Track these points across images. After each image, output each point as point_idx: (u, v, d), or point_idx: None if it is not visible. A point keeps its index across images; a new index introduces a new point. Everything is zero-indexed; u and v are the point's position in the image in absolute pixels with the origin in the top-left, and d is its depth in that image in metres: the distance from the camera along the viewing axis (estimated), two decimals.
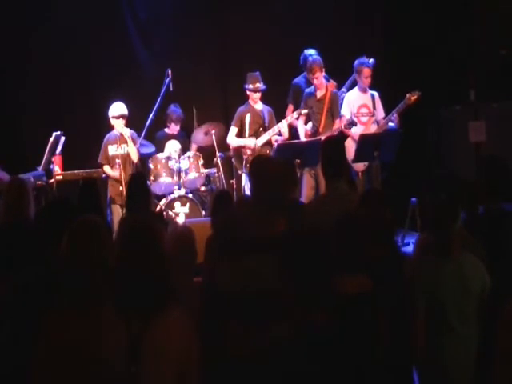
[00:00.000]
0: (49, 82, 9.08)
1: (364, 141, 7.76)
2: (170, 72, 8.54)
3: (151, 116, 8.51)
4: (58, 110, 9.09)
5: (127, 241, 3.23)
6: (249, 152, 8.37)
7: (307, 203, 6.20)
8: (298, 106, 8.47)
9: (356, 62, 8.36)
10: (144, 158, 8.59)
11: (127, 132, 8.22)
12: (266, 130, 8.46)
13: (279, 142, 8.21)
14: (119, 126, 8.24)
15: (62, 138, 8.17)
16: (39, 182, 7.78)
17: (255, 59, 9.12)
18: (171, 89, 8.54)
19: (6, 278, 3.80)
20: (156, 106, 8.54)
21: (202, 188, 8.71)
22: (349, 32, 9.59)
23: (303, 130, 8.40)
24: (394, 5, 9.66)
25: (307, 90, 8.41)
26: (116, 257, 3.15)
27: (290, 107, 8.76)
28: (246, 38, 9.49)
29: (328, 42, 8.96)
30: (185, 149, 8.80)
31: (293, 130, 8.59)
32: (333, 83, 8.50)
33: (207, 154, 8.82)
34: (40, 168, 8.06)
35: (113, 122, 8.29)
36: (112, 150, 8.30)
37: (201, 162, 8.58)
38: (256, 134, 8.47)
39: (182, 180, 8.50)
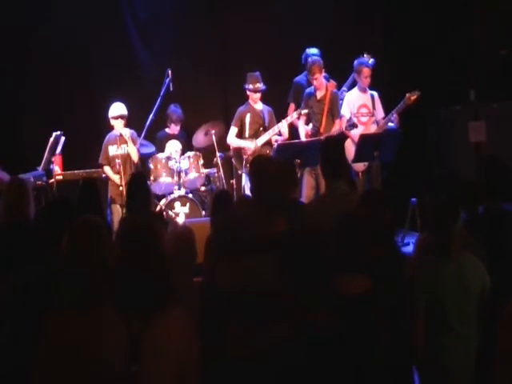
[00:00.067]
0: (49, 82, 9.08)
1: (364, 141, 7.76)
2: (169, 72, 8.55)
3: (151, 116, 8.51)
4: (58, 110, 9.10)
5: (127, 241, 3.23)
6: (249, 152, 8.37)
7: (307, 203, 6.20)
8: (300, 104, 8.47)
9: (356, 61, 8.36)
10: (144, 158, 8.60)
11: (127, 132, 8.22)
12: (266, 130, 8.46)
13: (279, 142, 8.21)
14: (119, 127, 8.24)
15: (62, 138, 8.17)
16: (39, 182, 7.78)
17: (255, 59, 9.12)
18: (171, 89, 8.54)
19: (6, 277, 3.80)
20: (156, 106, 8.54)
21: (202, 188, 8.71)
22: (349, 32, 9.59)
23: (304, 130, 8.39)
24: (393, 5, 9.67)
25: (307, 91, 8.41)
26: (116, 257, 3.15)
27: (292, 106, 8.76)
28: (246, 38, 9.49)
29: (328, 42, 8.96)
30: (185, 149, 8.80)
31: (293, 130, 8.59)
32: (333, 83, 8.50)
33: (207, 154, 8.82)
34: (40, 168, 8.07)
35: (112, 122, 8.29)
36: (112, 150, 8.30)
37: (201, 162, 8.58)
38: (256, 134, 8.47)
39: (182, 180, 8.50)
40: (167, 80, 8.55)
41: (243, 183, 8.41)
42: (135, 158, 8.26)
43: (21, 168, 7.77)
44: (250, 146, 8.38)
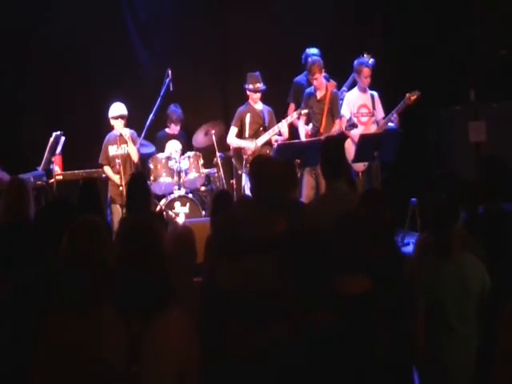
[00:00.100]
0: (49, 82, 9.08)
1: (364, 141, 7.75)
2: (169, 72, 8.55)
3: (151, 116, 8.51)
4: (58, 110, 9.10)
5: (127, 241, 3.23)
6: (249, 152, 8.37)
7: (307, 203, 6.20)
8: (300, 104, 8.47)
9: (356, 61, 8.36)
10: (144, 158, 8.60)
11: (127, 133, 8.22)
12: (266, 130, 8.45)
13: (279, 142, 8.21)
14: (119, 127, 8.24)
15: (62, 138, 8.17)
16: (39, 182, 7.78)
17: (255, 59, 9.12)
18: (171, 89, 8.54)
19: (6, 277, 3.80)
20: (156, 106, 8.54)
21: (202, 188, 8.71)
22: (349, 32, 9.59)
23: (304, 130, 8.39)
24: (394, 5, 9.67)
25: (307, 91, 8.40)
26: (116, 257, 3.15)
27: (292, 106, 8.76)
28: (246, 37, 9.49)
29: (328, 42, 8.96)
30: (185, 149, 8.80)
31: (293, 130, 8.59)
32: (332, 83, 8.50)
33: (207, 154, 8.82)
34: (40, 168, 8.07)
35: (112, 122, 8.30)
36: (112, 150, 8.30)
37: (201, 162, 8.59)
38: (256, 134, 8.47)
39: (182, 180, 8.50)
40: (167, 80, 8.55)
41: (243, 183, 8.40)
42: (135, 158, 8.26)
43: (21, 168, 7.77)
44: (250, 146, 8.38)
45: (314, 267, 3.32)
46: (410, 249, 7.02)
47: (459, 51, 9.36)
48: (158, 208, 8.24)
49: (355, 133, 8.06)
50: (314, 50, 8.59)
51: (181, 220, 8.15)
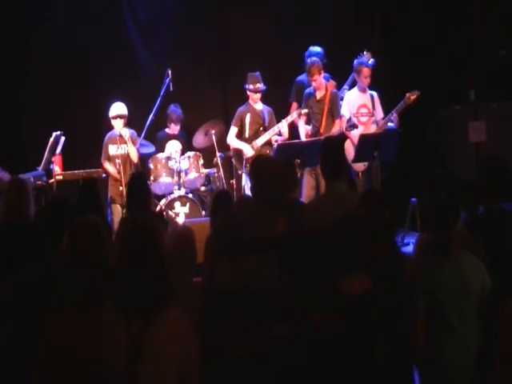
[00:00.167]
0: (49, 82, 9.08)
1: (364, 141, 7.75)
2: (169, 72, 8.55)
3: (151, 116, 8.51)
4: (58, 110, 9.10)
5: (127, 241, 3.23)
6: (247, 156, 8.35)
7: (307, 203, 6.20)
8: (302, 104, 8.48)
9: (355, 61, 8.37)
10: (144, 158, 8.60)
11: (126, 133, 8.22)
12: (266, 130, 8.45)
13: (279, 142, 8.21)
14: (118, 126, 8.24)
15: (62, 138, 8.17)
16: (39, 182, 7.78)
17: (255, 59, 9.12)
18: (171, 89, 8.54)
19: (6, 277, 3.80)
20: (156, 106, 8.54)
21: (202, 188, 8.71)
22: (349, 32, 9.59)
23: (304, 130, 8.39)
24: (394, 5, 9.67)
25: (307, 91, 8.40)
26: (116, 257, 3.15)
27: (294, 105, 8.75)
28: (246, 38, 9.49)
29: (328, 42, 8.95)
30: (185, 149, 8.80)
31: (293, 130, 8.58)
32: (332, 83, 8.49)
33: (207, 154, 8.82)
34: (40, 168, 8.06)
35: (112, 122, 8.30)
36: (112, 149, 8.31)
37: (201, 162, 8.59)
38: (256, 134, 8.47)
39: (182, 180, 8.50)
40: (167, 80, 8.55)
41: (243, 183, 8.40)
42: (135, 158, 8.26)
43: (21, 168, 7.77)
44: (248, 151, 8.36)
45: (313, 267, 3.32)
46: (410, 249, 7.02)
47: (459, 51, 9.35)
48: (158, 208, 8.24)
49: (355, 133, 8.06)
50: (317, 49, 8.59)
51: (181, 220, 8.15)
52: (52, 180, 8.04)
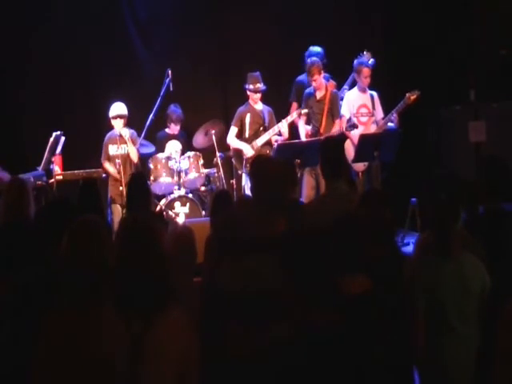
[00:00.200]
0: (49, 82, 9.09)
1: (364, 141, 7.75)
2: (169, 72, 8.55)
3: (151, 116, 8.51)
4: (58, 110, 9.10)
5: (127, 241, 3.23)
6: (247, 156, 8.35)
7: (307, 203, 6.20)
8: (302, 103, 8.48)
9: (355, 61, 8.37)
10: (144, 158, 8.60)
11: (126, 133, 8.22)
12: (266, 130, 8.45)
13: (279, 142, 8.21)
14: (119, 126, 8.25)
15: (62, 138, 8.17)
16: (39, 182, 7.78)
17: (255, 59, 9.12)
18: (171, 89, 8.54)
19: (6, 277, 3.80)
20: (156, 106, 8.54)
21: (202, 188, 8.72)
22: (349, 32, 9.59)
23: (304, 130, 8.39)
24: (393, 5, 9.67)
25: (307, 91, 8.40)
26: (116, 257, 3.15)
27: (294, 105, 8.75)
28: (246, 37, 9.49)
29: (328, 42, 8.96)
30: (185, 149, 8.80)
31: (293, 130, 8.58)
32: (332, 83, 8.49)
33: (207, 154, 8.83)
34: (40, 168, 8.07)
35: (112, 122, 8.31)
36: (112, 149, 8.31)
37: (201, 162, 8.59)
38: (256, 134, 8.47)
39: (182, 180, 8.51)
40: (167, 80, 8.55)
41: (243, 183, 8.40)
42: (135, 158, 8.26)
43: (21, 168, 7.77)
44: (248, 151, 8.36)
45: (313, 267, 3.32)
46: (410, 249, 7.02)
47: (459, 51, 9.35)
48: (158, 208, 8.24)
49: (355, 133, 8.05)
50: (317, 49, 8.59)
51: (181, 220, 8.15)
52: (52, 180, 8.04)
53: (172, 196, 8.41)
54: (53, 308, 3.10)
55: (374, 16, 9.80)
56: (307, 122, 8.43)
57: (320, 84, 8.25)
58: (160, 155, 8.54)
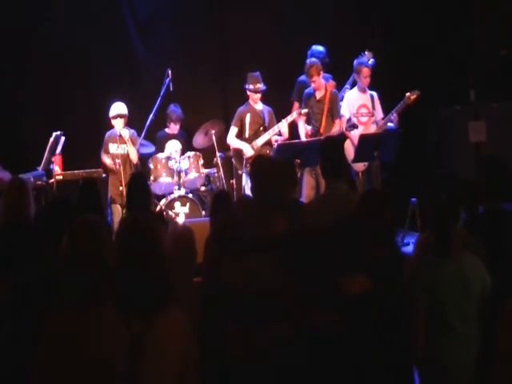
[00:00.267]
0: (49, 82, 9.09)
1: (364, 141, 7.75)
2: (169, 72, 8.55)
3: (151, 116, 8.51)
4: (58, 110, 9.10)
5: (127, 241, 3.23)
6: (247, 156, 8.35)
7: (307, 203, 6.20)
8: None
9: (355, 61, 8.36)
10: (144, 158, 8.60)
11: (126, 134, 8.22)
12: (266, 130, 8.45)
13: (279, 142, 8.21)
14: (119, 126, 8.25)
15: (62, 138, 8.17)
16: (39, 182, 7.78)
17: (255, 59, 9.12)
18: (171, 89, 8.54)
19: (6, 277, 3.80)
20: (156, 106, 8.54)
21: (202, 188, 8.72)
22: (349, 32, 9.59)
23: (304, 129, 8.39)
24: (393, 5, 9.66)
25: (306, 91, 8.40)
26: (116, 257, 3.15)
27: (296, 105, 8.74)
28: (246, 38, 9.49)
29: (328, 42, 8.96)
30: (185, 149, 8.80)
31: (293, 130, 8.58)
32: (332, 83, 8.48)
33: (207, 154, 8.83)
34: (40, 168, 8.07)
35: (112, 121, 8.31)
36: (112, 148, 8.32)
37: (201, 162, 8.59)
38: (256, 134, 8.47)
39: (181, 180, 8.51)
40: (167, 80, 8.55)
41: (243, 183, 8.41)
42: (134, 159, 8.27)
43: (21, 168, 7.78)
44: (248, 151, 8.36)
45: (313, 267, 3.32)
46: (410, 249, 7.02)
47: (459, 51, 9.35)
48: (158, 208, 8.24)
49: (355, 133, 8.05)
50: (319, 48, 8.59)
51: (181, 220, 8.15)
52: (52, 180, 8.04)
53: (172, 196, 8.41)
54: (53, 308, 3.10)
55: (373, 16, 9.80)
56: (307, 122, 8.43)
57: (319, 85, 8.25)
58: (160, 155, 8.55)
